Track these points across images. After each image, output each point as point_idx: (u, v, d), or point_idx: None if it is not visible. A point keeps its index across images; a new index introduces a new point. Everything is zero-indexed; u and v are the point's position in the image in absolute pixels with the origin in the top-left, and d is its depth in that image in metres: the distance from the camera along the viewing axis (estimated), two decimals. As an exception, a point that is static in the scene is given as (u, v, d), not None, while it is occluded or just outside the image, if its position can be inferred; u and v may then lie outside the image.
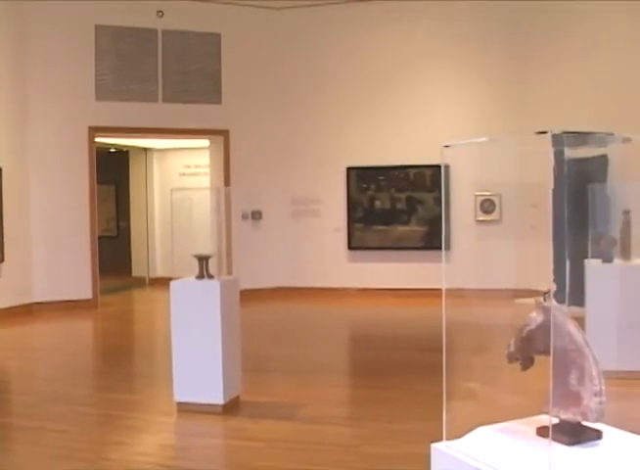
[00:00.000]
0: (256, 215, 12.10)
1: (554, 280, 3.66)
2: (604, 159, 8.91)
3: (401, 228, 11.84)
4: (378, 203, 11.98)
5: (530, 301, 1.93)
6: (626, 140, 2.06)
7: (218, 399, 5.34)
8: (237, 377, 5.64)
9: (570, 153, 2.09)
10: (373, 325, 9.74)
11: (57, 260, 10.79)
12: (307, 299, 11.46)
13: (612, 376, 2.25)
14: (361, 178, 12.00)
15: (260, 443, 4.73)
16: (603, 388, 1.77)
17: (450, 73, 11.68)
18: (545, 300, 1.89)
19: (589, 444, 1.81)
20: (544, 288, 1.92)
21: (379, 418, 5.23)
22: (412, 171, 11.70)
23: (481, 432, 1.93)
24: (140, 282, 14.51)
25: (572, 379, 1.81)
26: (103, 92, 11.17)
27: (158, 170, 14.82)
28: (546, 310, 1.87)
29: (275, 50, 12.06)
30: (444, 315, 2.19)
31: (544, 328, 1.84)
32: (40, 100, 10.73)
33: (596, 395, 1.77)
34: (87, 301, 11.01)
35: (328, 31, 12.00)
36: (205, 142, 12.59)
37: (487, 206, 11.22)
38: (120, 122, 11.21)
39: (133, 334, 10.03)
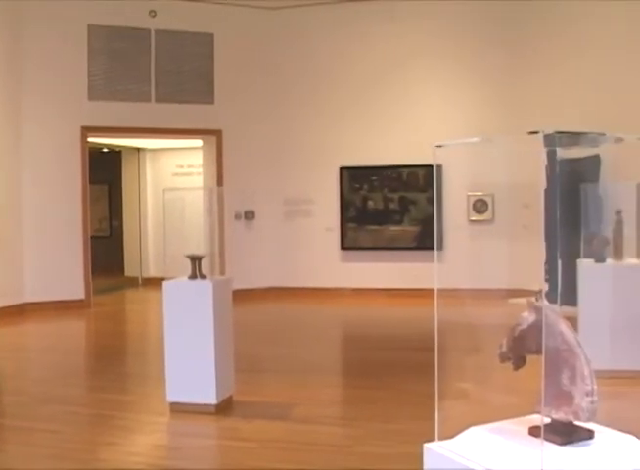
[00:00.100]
0: (249, 215, 12.09)
1: (546, 280, 3.67)
2: (596, 159, 8.94)
3: (394, 228, 11.85)
4: (371, 203, 11.99)
5: (523, 300, 1.93)
6: (618, 140, 2.07)
7: (211, 399, 5.33)
8: (230, 377, 5.63)
9: (562, 153, 2.10)
10: (366, 325, 9.74)
11: (49, 260, 10.75)
12: (300, 299, 11.45)
13: (604, 375, 2.26)
14: (354, 178, 12.00)
15: (253, 443, 4.72)
16: (595, 387, 1.78)
17: (443, 73, 11.68)
18: (537, 299, 1.89)
19: (581, 443, 1.81)
20: (536, 288, 1.92)
21: (371, 418, 5.23)
22: (405, 171, 11.71)
23: (474, 432, 1.94)
24: (133, 282, 14.48)
25: (564, 379, 1.81)
26: (95, 92, 11.14)
27: (150, 170, 14.78)
28: (538, 310, 1.87)
29: (268, 50, 12.05)
30: (437, 315, 2.19)
31: (536, 328, 1.85)
32: (33, 100, 10.69)
33: (588, 394, 1.77)
34: (80, 301, 10.97)
35: (321, 31, 12.00)
36: (197, 142, 12.57)
37: (480, 206, 11.24)
38: (113, 122, 11.19)
39: (126, 334, 10.01)
